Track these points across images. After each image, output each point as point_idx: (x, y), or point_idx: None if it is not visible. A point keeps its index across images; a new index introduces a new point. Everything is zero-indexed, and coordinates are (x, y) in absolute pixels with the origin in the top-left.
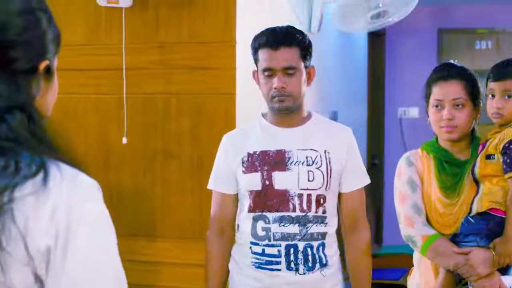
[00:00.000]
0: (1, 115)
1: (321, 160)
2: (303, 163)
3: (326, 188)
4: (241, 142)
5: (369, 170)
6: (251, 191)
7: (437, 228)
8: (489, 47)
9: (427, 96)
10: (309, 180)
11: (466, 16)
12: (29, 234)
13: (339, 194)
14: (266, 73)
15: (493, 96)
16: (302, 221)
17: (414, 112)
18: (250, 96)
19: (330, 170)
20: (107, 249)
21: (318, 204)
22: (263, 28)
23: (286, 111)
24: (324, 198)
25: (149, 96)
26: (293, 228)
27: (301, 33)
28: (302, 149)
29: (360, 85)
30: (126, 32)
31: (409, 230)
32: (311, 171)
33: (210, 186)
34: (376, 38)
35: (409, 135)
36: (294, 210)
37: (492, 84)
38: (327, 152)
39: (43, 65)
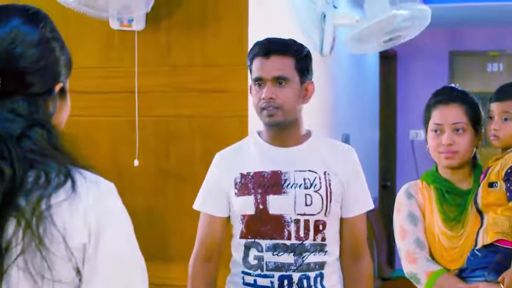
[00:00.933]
0: (24, 132)
1: (320, 183)
2: (300, 185)
3: (325, 213)
4: (234, 161)
5: (381, 192)
6: (243, 216)
7: (442, 263)
8: (500, 69)
9: (426, 121)
10: (306, 205)
11: (478, 39)
12: (67, 234)
13: (341, 219)
14: (257, 83)
15: (491, 118)
16: (297, 250)
17: None
18: None
19: (330, 193)
20: (130, 240)
21: (317, 230)
22: None
23: (277, 126)
24: (324, 224)
25: (161, 118)
26: (288, 258)
27: (299, 45)
28: (300, 170)
29: (372, 108)
30: (139, 55)
31: (411, 267)
32: (309, 194)
33: (196, 206)
34: (388, 61)
35: (421, 157)
36: (289, 238)
37: (491, 106)
38: (327, 174)
39: (57, 87)
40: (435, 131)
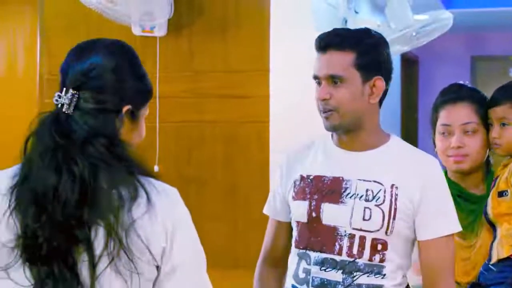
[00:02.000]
0: (90, 140)
1: (384, 196)
2: (361, 197)
3: (387, 232)
4: (298, 162)
5: None
6: (298, 222)
7: (457, 276)
8: None
9: (434, 122)
10: (364, 219)
11: (500, 44)
12: (150, 243)
13: (418, 242)
14: (315, 81)
15: (492, 125)
16: (347, 268)
17: None
18: (284, 123)
19: (395, 209)
20: (196, 236)
21: (374, 250)
22: (296, 56)
23: (334, 130)
24: (384, 244)
25: (182, 124)
26: (335, 275)
27: (364, 35)
28: (364, 180)
29: (394, 112)
30: (160, 61)
31: (417, 279)
32: (368, 208)
33: (264, 210)
34: (410, 65)
35: None
36: (339, 253)
37: (489, 113)
38: (395, 187)
39: (125, 108)
40: (443, 133)
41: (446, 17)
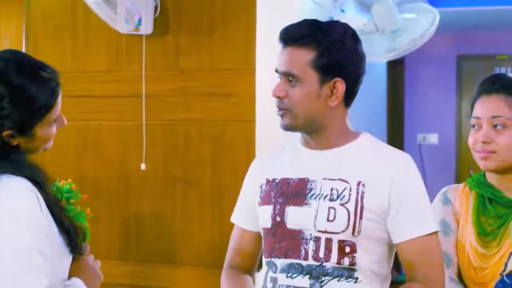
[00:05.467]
0: None
1: (349, 195)
2: (325, 197)
3: (353, 233)
4: (266, 166)
5: None
6: (263, 229)
7: (469, 285)
8: (509, 73)
9: (471, 115)
10: (328, 220)
11: (486, 43)
12: None
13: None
14: (278, 77)
15: (475, 126)
16: (314, 273)
17: (433, 138)
18: (270, 123)
19: (361, 208)
20: (19, 235)
21: (342, 253)
22: None
23: (289, 130)
24: (352, 246)
25: (168, 123)
26: (302, 281)
27: (334, 31)
28: (329, 179)
29: (380, 112)
30: (147, 59)
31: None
32: (332, 207)
33: (231, 218)
34: (396, 65)
35: (429, 161)
36: (305, 258)
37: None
38: (362, 185)
39: (5, 133)
40: (473, 126)
41: (432, 11)
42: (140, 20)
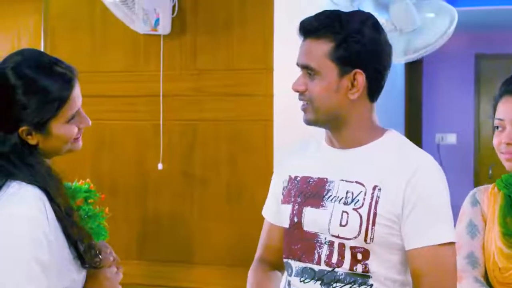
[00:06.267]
0: None
1: (363, 199)
2: (340, 199)
3: (366, 239)
4: (290, 162)
5: None
6: (283, 228)
7: (494, 286)
8: None
9: (494, 116)
10: (341, 225)
11: (504, 42)
12: None
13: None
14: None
15: (498, 128)
16: (326, 279)
17: (452, 138)
18: (287, 122)
19: (375, 214)
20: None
21: (355, 259)
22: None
23: (311, 124)
24: (365, 253)
25: (186, 122)
26: (314, 286)
27: (354, 21)
28: (346, 181)
29: (398, 111)
30: (164, 59)
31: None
32: (346, 212)
33: (262, 211)
34: (414, 65)
35: (447, 161)
36: (318, 263)
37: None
38: (378, 189)
39: (21, 130)
40: (497, 127)
41: (451, 10)
42: (158, 20)
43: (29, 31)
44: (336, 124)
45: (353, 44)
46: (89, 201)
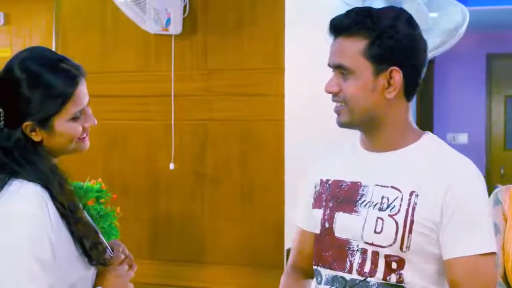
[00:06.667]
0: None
1: (400, 205)
2: (375, 205)
3: (402, 247)
4: (322, 164)
5: None
6: (314, 234)
7: None
8: None
9: None
10: (375, 232)
11: None
12: None
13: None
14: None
15: None
16: None
17: (463, 138)
18: (299, 122)
19: (412, 222)
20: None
21: (389, 268)
22: (311, 54)
23: (345, 127)
24: (400, 262)
25: (197, 122)
26: None
27: (386, 17)
28: (381, 186)
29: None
30: (175, 59)
31: None
32: (381, 218)
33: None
34: None
35: None
36: (350, 271)
37: None
38: (415, 195)
39: (25, 125)
40: None
41: (462, 10)
42: (169, 20)
43: (41, 30)
44: (371, 126)
45: (388, 40)
46: (101, 200)
